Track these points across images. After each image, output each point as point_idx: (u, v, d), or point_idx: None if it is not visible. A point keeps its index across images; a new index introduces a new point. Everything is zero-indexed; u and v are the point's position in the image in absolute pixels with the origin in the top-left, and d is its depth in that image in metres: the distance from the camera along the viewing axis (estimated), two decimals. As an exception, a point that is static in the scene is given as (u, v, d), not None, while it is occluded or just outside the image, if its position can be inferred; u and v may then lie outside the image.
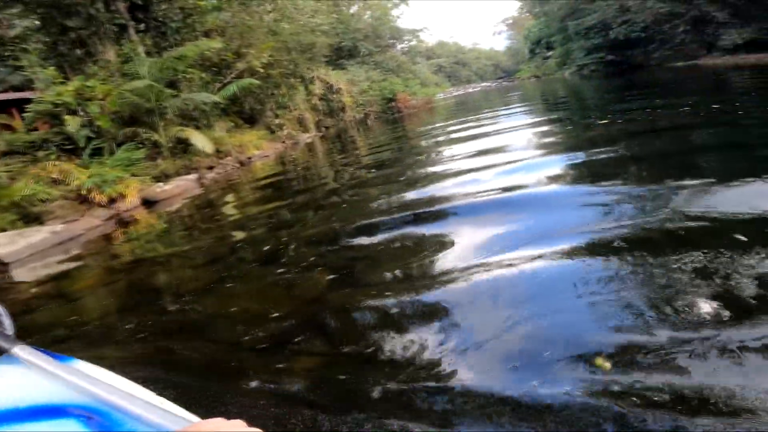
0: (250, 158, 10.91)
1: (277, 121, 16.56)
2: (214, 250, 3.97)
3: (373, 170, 6.40)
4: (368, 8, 32.19)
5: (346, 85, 20.23)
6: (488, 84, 49.59)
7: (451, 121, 11.27)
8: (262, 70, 12.13)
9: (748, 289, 1.67)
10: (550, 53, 35.80)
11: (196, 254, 4.00)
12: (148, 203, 6.95)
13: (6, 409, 0.53)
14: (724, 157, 3.68)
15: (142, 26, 12.05)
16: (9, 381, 0.57)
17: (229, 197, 6.79)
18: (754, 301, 1.59)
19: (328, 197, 5.22)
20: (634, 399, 1.29)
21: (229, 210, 5.79)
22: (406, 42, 43.85)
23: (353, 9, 32.10)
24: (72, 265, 4.62)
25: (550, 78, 32.75)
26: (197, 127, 10.60)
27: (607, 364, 1.44)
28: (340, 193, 5.27)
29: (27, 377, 0.57)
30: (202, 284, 3.14)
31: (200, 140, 8.44)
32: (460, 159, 5.59)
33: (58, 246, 5.50)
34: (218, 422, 0.44)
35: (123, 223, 6.59)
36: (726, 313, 1.55)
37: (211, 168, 9.50)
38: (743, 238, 2.04)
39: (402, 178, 5.27)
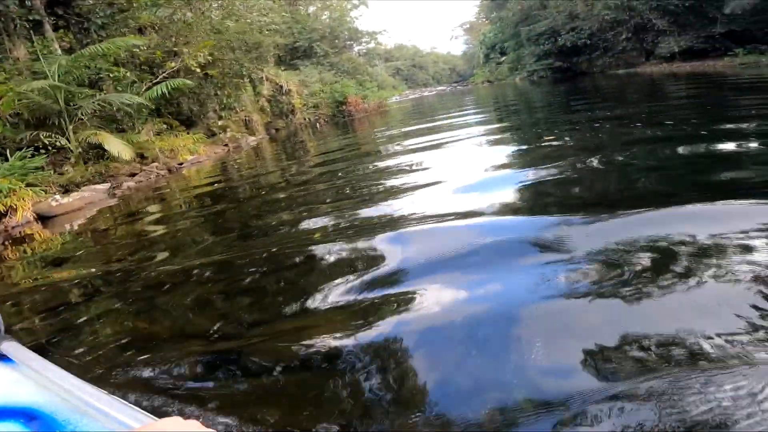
0: (181, 164, 10.01)
1: (220, 122, 15.62)
2: (95, 281, 3.31)
3: (317, 183, 5.79)
4: (327, 8, 31.54)
5: (296, 87, 19.49)
6: (443, 88, 50.14)
7: (402, 129, 10.88)
8: (198, 70, 11.24)
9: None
10: (503, 58, 36.59)
11: (71, 286, 3.32)
12: (43, 218, 6.03)
13: None
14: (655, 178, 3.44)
15: (61, 22, 10.92)
16: None
17: (142, 212, 6.02)
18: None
19: (260, 214, 4.59)
20: None
21: (134, 229, 5.05)
22: (364, 44, 43.56)
23: (311, 9, 31.35)
24: None
25: (502, 83, 33.46)
26: (121, 130, 9.61)
27: None
28: (276, 208, 4.69)
29: None
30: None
31: (115, 145, 7.54)
32: (406, 173, 5.18)
33: None
34: (174, 421, 0.43)
35: (16, 240, 5.68)
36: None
37: (132, 175, 8.58)
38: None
39: (348, 192, 4.73)
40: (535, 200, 3.39)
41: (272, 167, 8.52)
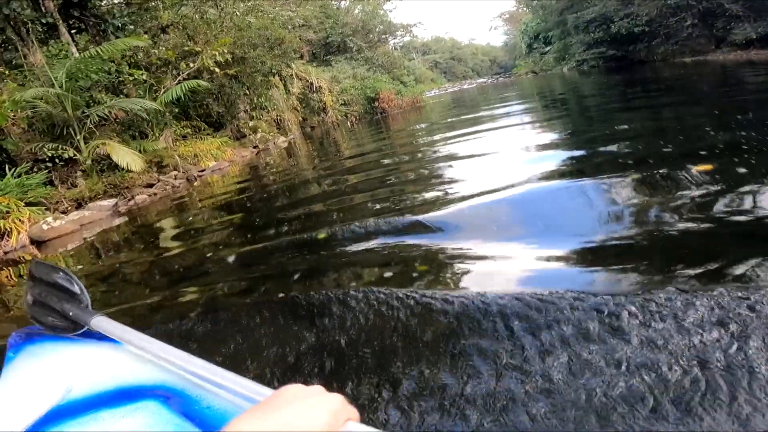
0: (203, 171, 9.50)
1: (251, 123, 15.16)
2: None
3: (355, 194, 4.89)
4: (359, 2, 30.72)
5: (327, 83, 18.76)
6: (483, 80, 48.17)
7: (440, 131, 9.75)
8: (217, 70, 10.68)
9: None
10: (547, 48, 34.39)
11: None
12: (39, 242, 5.54)
13: (85, 395, 0.53)
14: None
15: (79, 25, 10.69)
16: (86, 360, 0.58)
17: (140, 236, 5.42)
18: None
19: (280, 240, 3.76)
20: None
21: (115, 262, 4.39)
22: (399, 37, 42.50)
23: (343, 4, 30.64)
24: None
25: (548, 74, 31.38)
26: (135, 137, 9.20)
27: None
28: (304, 226, 3.88)
29: (104, 355, 0.58)
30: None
31: (124, 155, 7.03)
32: (449, 182, 4.30)
33: None
34: (298, 389, 0.43)
35: (13, 263, 5.24)
36: None
37: (150, 186, 8.10)
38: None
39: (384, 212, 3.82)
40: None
41: (302, 171, 7.70)
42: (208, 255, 3.72)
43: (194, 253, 3.90)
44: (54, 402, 0.53)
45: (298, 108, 18.26)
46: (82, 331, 0.61)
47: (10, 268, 5.06)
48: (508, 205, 3.11)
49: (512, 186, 3.47)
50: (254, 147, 13.62)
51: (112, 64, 9.10)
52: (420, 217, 3.11)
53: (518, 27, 47.85)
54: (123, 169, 7.77)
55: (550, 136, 6.03)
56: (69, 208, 7.22)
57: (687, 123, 5.37)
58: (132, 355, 0.57)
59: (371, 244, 2.93)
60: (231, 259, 3.53)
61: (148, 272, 3.72)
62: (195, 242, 4.31)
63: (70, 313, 0.61)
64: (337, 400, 0.43)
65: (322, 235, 3.32)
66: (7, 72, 8.12)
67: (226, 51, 11.33)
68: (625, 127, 5.51)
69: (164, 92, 9.43)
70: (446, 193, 3.91)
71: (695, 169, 2.53)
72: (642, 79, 14.02)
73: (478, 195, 3.50)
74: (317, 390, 0.44)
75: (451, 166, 5.19)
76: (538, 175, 3.67)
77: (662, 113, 6.43)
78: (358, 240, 3.04)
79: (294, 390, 0.43)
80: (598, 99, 10.17)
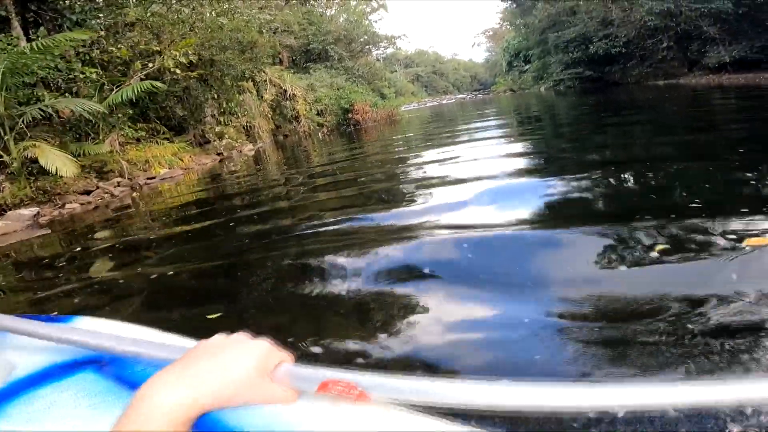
0: (152, 179, 8.73)
1: (218, 128, 14.42)
2: None
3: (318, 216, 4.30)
4: (344, 11, 30.46)
5: (302, 91, 18.19)
6: (463, 96, 48.55)
7: (414, 149, 9.34)
8: (178, 71, 9.98)
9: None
10: (527, 67, 34.84)
11: None
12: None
13: (26, 375, 0.55)
14: None
15: (36, 19, 9.86)
16: (24, 342, 0.57)
17: (65, 252, 4.67)
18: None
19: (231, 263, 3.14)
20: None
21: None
22: (382, 48, 42.52)
23: (329, 12, 30.29)
24: None
25: (526, 92, 31.70)
26: (80, 139, 8.39)
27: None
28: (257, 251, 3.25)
29: (20, 345, 0.58)
30: None
31: (54, 159, 6.24)
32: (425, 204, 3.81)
33: None
34: (220, 338, 0.43)
35: None
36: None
37: (87, 193, 7.31)
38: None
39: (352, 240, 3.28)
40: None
41: (266, 184, 7.06)
42: (122, 280, 3.07)
43: (120, 277, 3.22)
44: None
45: (270, 115, 17.60)
46: None
47: None
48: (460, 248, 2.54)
49: (469, 227, 2.93)
50: (218, 154, 12.87)
51: (61, 60, 8.34)
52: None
53: (500, 44, 48.67)
54: (56, 174, 6.97)
55: (521, 162, 5.58)
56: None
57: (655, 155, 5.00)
58: (48, 340, 0.57)
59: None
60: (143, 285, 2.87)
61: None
62: (124, 264, 3.61)
63: None
64: (264, 345, 0.42)
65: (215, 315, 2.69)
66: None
67: (191, 52, 10.65)
68: (596, 157, 5.15)
69: (114, 93, 8.66)
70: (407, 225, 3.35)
71: (748, 244, 1.89)
72: (615, 101, 14.00)
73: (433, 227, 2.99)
74: (240, 337, 0.43)
75: (417, 191, 4.64)
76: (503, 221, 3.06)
77: (634, 141, 6.11)
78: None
79: (216, 340, 0.42)
80: (572, 125, 9.95)
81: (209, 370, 0.38)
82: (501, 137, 8.57)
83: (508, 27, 44.09)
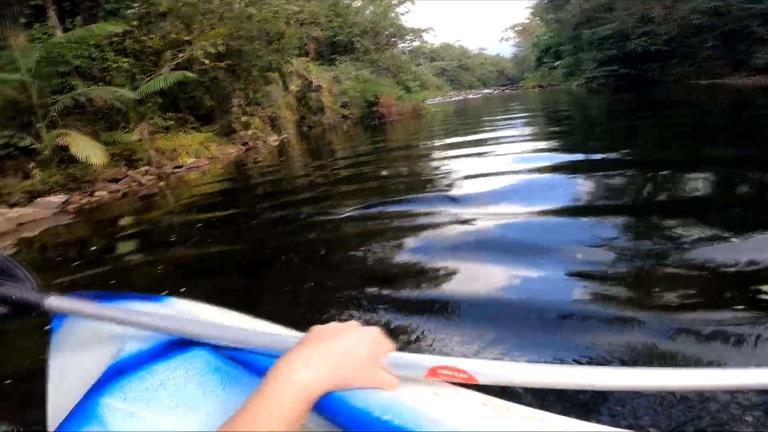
0: (179, 168, 8.77)
1: (243, 119, 14.46)
2: None
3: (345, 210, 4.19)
4: (370, 3, 30.17)
5: (327, 83, 18.07)
6: (489, 91, 47.61)
7: (439, 141, 9.16)
8: (207, 61, 9.98)
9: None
10: (557, 63, 33.84)
11: None
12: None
13: (138, 351, 0.55)
14: None
15: (72, 8, 10.02)
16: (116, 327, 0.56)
17: (89, 242, 4.68)
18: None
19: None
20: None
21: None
22: (408, 41, 42.00)
23: (356, 3, 30.06)
24: None
25: (556, 89, 30.78)
26: (111, 128, 8.48)
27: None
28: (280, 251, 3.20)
29: (151, 311, 0.58)
30: None
31: (84, 147, 6.30)
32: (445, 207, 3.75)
33: None
34: (335, 324, 0.45)
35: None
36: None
37: (115, 181, 7.39)
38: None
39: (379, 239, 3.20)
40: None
41: (291, 176, 7.00)
42: (156, 272, 3.04)
43: (141, 270, 3.19)
44: (110, 360, 0.55)
45: (295, 106, 17.56)
46: (34, 314, 0.58)
47: None
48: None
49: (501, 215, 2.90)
50: (243, 144, 12.92)
51: (95, 49, 8.43)
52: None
53: (530, 40, 47.53)
54: (85, 162, 7.06)
55: (547, 160, 5.29)
56: (22, 199, 6.52)
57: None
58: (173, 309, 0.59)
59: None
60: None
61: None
62: (148, 255, 3.59)
63: (12, 297, 0.58)
64: (376, 332, 0.45)
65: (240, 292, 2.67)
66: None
67: (219, 42, 10.64)
68: (635, 158, 4.83)
69: (146, 82, 8.72)
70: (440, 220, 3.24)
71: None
72: (653, 101, 13.33)
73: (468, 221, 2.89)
74: (354, 324, 0.46)
75: (447, 190, 4.46)
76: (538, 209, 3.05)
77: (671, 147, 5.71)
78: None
79: (332, 326, 0.45)
80: (605, 128, 9.52)
81: (335, 353, 0.41)
82: (527, 136, 8.25)
83: (539, 22, 42.94)
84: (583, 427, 0.39)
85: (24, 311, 0.58)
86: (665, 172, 3.70)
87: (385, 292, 2.12)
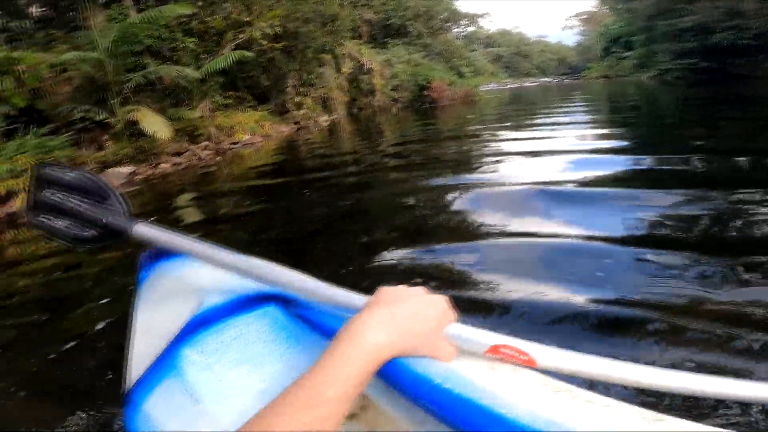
0: (235, 144, 9.14)
1: (297, 99, 14.74)
2: None
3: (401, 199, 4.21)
4: (426, -14, 29.45)
5: (378, 66, 17.96)
6: (548, 80, 45.37)
7: (492, 126, 8.94)
8: (264, 42, 10.21)
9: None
10: (627, 53, 31.64)
11: None
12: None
13: (217, 304, 0.56)
14: None
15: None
16: (212, 272, 0.57)
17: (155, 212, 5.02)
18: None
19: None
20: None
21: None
22: (463, 26, 40.66)
23: (411, -14, 29.49)
24: None
25: (623, 80, 28.79)
26: (177, 104, 8.94)
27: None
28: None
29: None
30: None
31: (152, 123, 6.72)
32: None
33: None
34: (402, 289, 0.45)
35: (14, 226, 5.02)
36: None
37: (178, 154, 7.83)
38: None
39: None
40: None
41: (336, 154, 7.14)
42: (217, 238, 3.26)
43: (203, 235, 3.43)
44: (192, 313, 0.56)
45: (347, 88, 17.64)
46: (118, 239, 0.59)
47: (12, 230, 4.84)
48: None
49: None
50: (295, 123, 13.21)
51: (165, 29, 8.84)
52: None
53: (596, 29, 44.81)
54: (152, 136, 7.52)
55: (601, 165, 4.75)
56: (95, 169, 7.08)
57: None
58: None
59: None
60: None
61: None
62: (209, 224, 3.88)
63: (103, 220, 0.58)
64: (443, 301, 0.44)
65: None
66: (60, 35, 8.04)
67: (276, 24, 10.84)
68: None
69: (209, 62, 9.09)
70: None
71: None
72: (739, 97, 12.03)
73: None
74: (420, 290, 0.45)
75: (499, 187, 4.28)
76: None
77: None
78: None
79: (399, 290, 0.44)
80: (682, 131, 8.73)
81: (406, 319, 0.41)
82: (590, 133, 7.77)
83: (607, 11, 40.24)
84: (649, 415, 0.37)
85: (112, 236, 0.58)
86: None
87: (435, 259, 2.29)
